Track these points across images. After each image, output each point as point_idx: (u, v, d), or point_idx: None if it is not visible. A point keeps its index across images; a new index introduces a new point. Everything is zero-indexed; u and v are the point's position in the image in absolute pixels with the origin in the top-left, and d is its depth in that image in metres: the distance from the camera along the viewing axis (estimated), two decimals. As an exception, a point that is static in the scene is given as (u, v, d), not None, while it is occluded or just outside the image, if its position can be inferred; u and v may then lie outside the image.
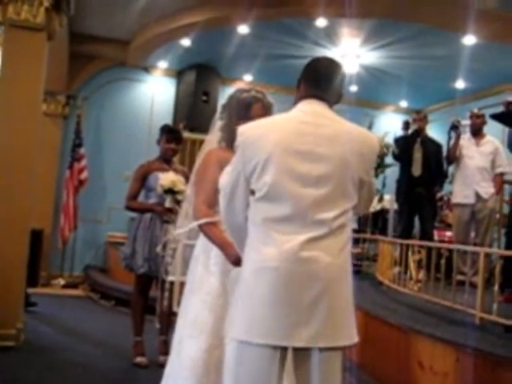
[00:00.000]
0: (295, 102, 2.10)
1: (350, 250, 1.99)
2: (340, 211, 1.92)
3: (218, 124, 2.80)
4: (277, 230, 1.90)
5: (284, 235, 1.88)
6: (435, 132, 7.72)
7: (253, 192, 1.98)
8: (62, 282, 8.32)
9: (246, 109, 2.62)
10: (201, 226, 2.50)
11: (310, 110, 2.02)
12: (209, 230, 2.47)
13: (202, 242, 2.63)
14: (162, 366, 3.59)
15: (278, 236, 1.89)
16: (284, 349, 1.87)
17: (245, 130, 2.03)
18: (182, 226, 2.89)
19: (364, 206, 2.09)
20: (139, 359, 4.29)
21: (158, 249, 4.17)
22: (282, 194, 1.90)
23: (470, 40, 6.71)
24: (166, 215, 4.27)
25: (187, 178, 4.20)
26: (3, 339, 4.37)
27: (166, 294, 3.93)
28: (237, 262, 2.22)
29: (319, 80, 2.06)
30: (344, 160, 1.94)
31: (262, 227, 1.93)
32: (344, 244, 1.94)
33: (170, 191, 4.25)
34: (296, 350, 1.87)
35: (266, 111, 2.62)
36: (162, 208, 4.30)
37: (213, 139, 2.80)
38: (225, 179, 2.54)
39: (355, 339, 1.95)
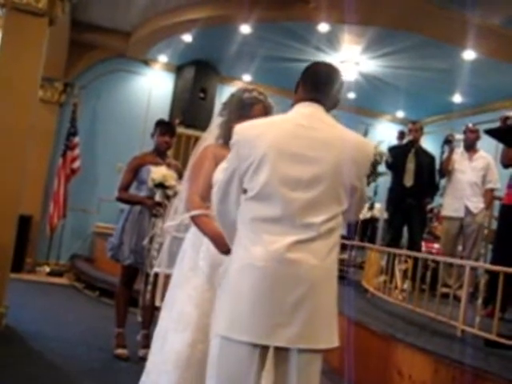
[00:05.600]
0: (293, 104, 2.10)
1: (337, 254, 1.99)
2: (329, 215, 1.92)
3: (217, 121, 2.81)
4: (265, 230, 1.90)
5: (272, 236, 1.89)
6: (429, 144, 7.75)
7: (245, 191, 1.99)
8: (47, 269, 8.30)
9: (247, 109, 2.63)
10: (193, 218, 2.50)
11: (307, 112, 2.02)
12: (201, 222, 2.47)
13: (191, 235, 2.62)
14: (143, 359, 3.61)
15: (266, 236, 1.89)
16: (264, 347, 1.87)
17: (241, 130, 2.04)
18: (172, 221, 2.88)
19: (354, 212, 2.10)
20: (120, 351, 4.28)
21: (145, 242, 4.18)
22: (273, 195, 1.91)
23: (469, 55, 6.75)
24: (155, 209, 4.27)
25: (180, 173, 4.20)
26: (-16, 323, 4.35)
27: (149, 288, 3.94)
28: (228, 252, 2.22)
29: (318, 84, 2.07)
30: (337, 165, 1.93)
31: (250, 226, 1.93)
32: (331, 248, 1.94)
33: (161, 185, 4.24)
34: (276, 349, 1.87)
35: (267, 113, 2.63)
36: (151, 201, 4.29)
37: (210, 135, 2.81)
38: (219, 176, 2.54)
39: (336, 343, 1.95)
